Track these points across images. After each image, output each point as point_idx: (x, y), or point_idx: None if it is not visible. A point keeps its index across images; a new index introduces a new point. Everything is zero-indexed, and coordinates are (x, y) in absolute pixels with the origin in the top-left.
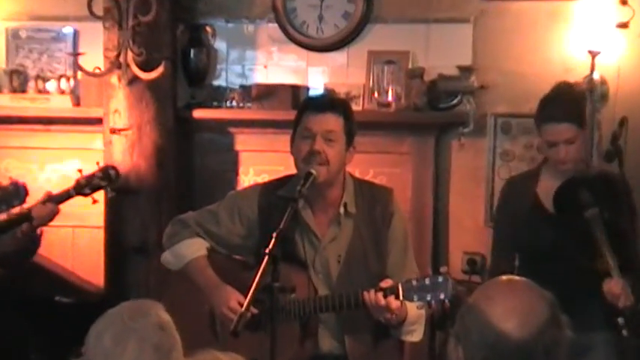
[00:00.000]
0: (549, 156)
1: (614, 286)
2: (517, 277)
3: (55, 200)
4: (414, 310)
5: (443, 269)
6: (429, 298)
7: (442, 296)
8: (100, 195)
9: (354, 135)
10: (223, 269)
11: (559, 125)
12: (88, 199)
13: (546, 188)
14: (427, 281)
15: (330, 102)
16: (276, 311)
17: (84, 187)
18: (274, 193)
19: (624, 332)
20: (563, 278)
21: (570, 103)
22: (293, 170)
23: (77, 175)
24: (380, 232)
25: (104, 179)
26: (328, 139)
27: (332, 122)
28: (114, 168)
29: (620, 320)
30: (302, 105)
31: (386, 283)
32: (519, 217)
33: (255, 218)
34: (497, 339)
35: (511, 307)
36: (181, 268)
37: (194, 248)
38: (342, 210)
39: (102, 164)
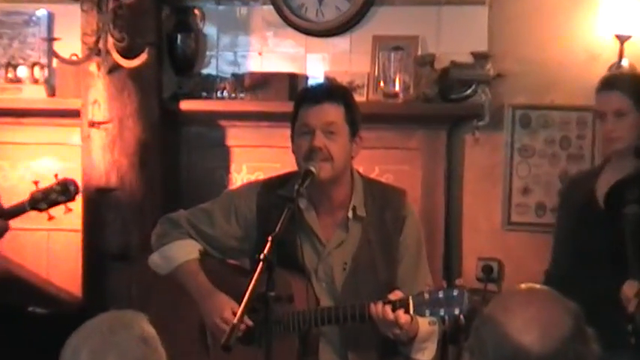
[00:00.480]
0: (600, 133)
1: (628, 289)
2: (538, 286)
3: (6, 215)
4: (426, 325)
5: (459, 281)
6: (442, 314)
7: (457, 312)
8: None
9: (359, 124)
10: (217, 275)
11: (608, 93)
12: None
13: (604, 185)
14: (441, 294)
15: (327, 91)
16: (271, 323)
17: (39, 201)
18: (274, 192)
19: (632, 340)
20: (612, 283)
21: (629, 75)
22: (290, 167)
23: (51, 180)
24: (390, 238)
25: (62, 194)
26: (329, 132)
27: (331, 113)
28: (74, 183)
29: (629, 327)
30: (297, 98)
31: (395, 295)
32: (574, 214)
33: (253, 219)
34: (515, 353)
35: (531, 319)
36: (170, 271)
37: (185, 250)
38: (350, 214)
39: (61, 177)
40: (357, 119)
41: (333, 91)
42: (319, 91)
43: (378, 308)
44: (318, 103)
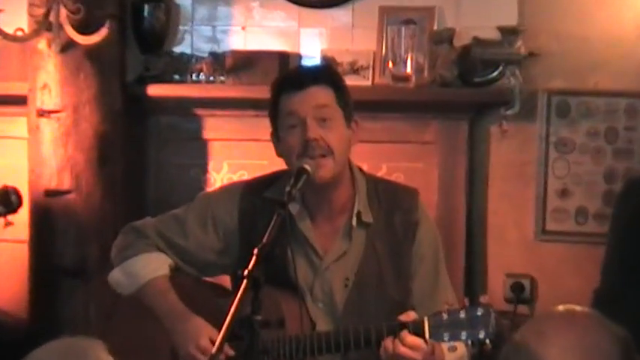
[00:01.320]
0: None
1: None
2: (578, 308)
3: None
4: (450, 355)
5: (483, 298)
6: (463, 337)
7: (482, 335)
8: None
9: (352, 107)
10: (191, 295)
11: None
12: None
13: None
14: (462, 315)
15: (311, 73)
16: (258, 352)
17: None
18: (260, 194)
19: None
20: None
21: None
22: (281, 165)
23: None
24: (401, 248)
25: (2, 205)
26: (322, 118)
27: (321, 96)
28: (16, 191)
29: None
30: (275, 87)
31: (407, 317)
32: (628, 221)
33: (235, 228)
34: None
35: (570, 347)
36: (135, 291)
37: (153, 266)
38: (354, 221)
39: (1, 181)
40: (350, 101)
41: (318, 73)
42: (302, 75)
43: (387, 344)
44: (303, 87)
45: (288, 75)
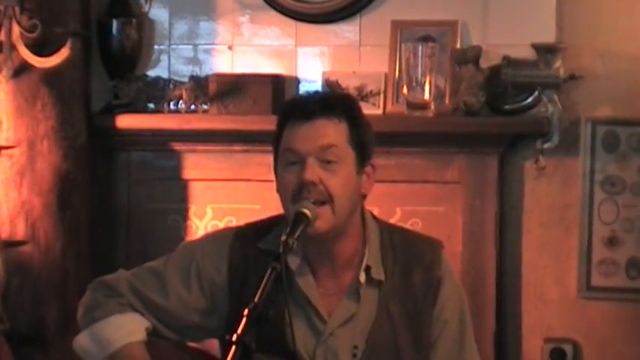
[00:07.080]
0: None
1: None
2: None
3: None
4: None
5: None
6: None
7: None
8: None
9: (370, 148)
10: None
11: None
12: None
13: None
14: None
15: (323, 102)
16: None
17: None
18: (254, 244)
19: None
20: None
21: None
22: (276, 210)
23: None
24: (421, 311)
25: None
26: (326, 160)
27: (329, 132)
28: None
29: None
30: (281, 113)
31: None
32: None
33: (224, 284)
34: None
35: None
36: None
37: (126, 330)
38: (362, 277)
39: None
40: (368, 140)
41: (331, 102)
42: (311, 103)
43: None
44: (310, 119)
45: (296, 100)
